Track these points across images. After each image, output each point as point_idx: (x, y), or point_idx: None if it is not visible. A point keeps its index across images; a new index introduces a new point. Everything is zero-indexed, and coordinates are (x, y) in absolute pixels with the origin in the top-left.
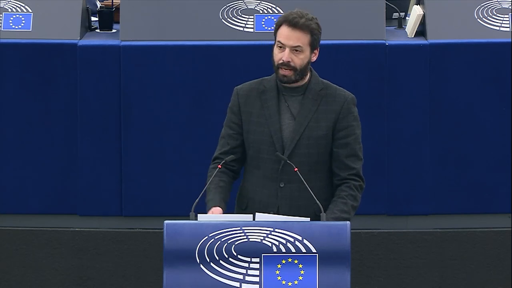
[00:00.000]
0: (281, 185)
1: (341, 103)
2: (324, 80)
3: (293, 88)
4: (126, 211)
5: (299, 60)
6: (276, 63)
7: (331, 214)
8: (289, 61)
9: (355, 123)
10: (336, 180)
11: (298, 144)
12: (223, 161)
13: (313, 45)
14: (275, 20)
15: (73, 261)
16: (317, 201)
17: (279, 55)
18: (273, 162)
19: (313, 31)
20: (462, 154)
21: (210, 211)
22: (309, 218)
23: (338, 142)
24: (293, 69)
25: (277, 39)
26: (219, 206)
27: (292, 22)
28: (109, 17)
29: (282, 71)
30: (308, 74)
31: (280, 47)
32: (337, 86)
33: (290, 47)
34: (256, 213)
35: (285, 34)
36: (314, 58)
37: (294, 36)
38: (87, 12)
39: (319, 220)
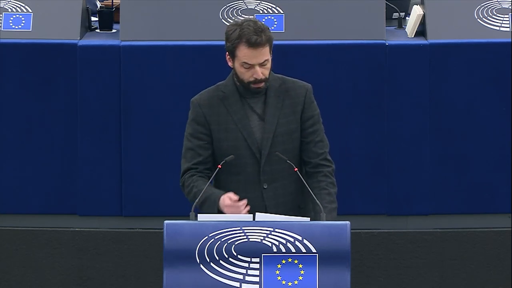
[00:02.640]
0: (265, 187)
1: (303, 94)
2: (279, 75)
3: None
4: (126, 211)
5: (267, 70)
6: (246, 81)
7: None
8: (262, 77)
9: (317, 110)
10: (308, 167)
11: (274, 142)
12: (224, 161)
13: (271, 50)
14: (275, 20)
15: (73, 261)
16: (318, 202)
17: (247, 73)
18: (252, 165)
19: (270, 39)
20: (462, 154)
21: (225, 196)
22: (309, 218)
23: (306, 132)
24: (264, 81)
25: (241, 59)
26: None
27: (254, 43)
28: (109, 17)
29: (256, 86)
30: None
31: (247, 67)
32: (292, 78)
33: (258, 64)
34: (256, 213)
35: (249, 54)
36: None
37: (260, 54)
38: (87, 12)
39: (304, 212)
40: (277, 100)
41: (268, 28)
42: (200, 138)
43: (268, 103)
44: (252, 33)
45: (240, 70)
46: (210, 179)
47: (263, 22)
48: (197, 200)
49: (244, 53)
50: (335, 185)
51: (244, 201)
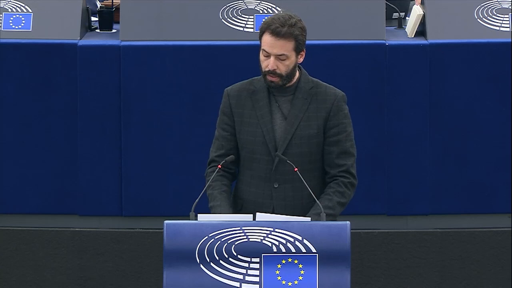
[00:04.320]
0: (275, 186)
1: (331, 101)
2: (314, 79)
3: (283, 89)
4: (126, 211)
5: (284, 67)
6: (263, 70)
7: (314, 210)
8: (275, 69)
9: (346, 120)
10: (327, 178)
11: (290, 143)
12: (224, 161)
13: (298, 49)
14: None
15: (73, 261)
16: (319, 203)
17: (265, 63)
18: (266, 163)
19: (297, 37)
20: (462, 154)
21: None
22: (310, 218)
23: (329, 140)
24: (279, 75)
25: (262, 46)
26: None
27: (275, 32)
28: (109, 17)
29: (269, 78)
30: (297, 74)
31: (266, 55)
32: (327, 84)
33: (274, 55)
34: (256, 213)
35: (269, 42)
36: (301, 60)
37: (278, 45)
38: (87, 12)
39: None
40: (303, 102)
41: (302, 28)
42: (225, 129)
43: (294, 103)
44: (278, 23)
45: (260, 57)
46: (211, 179)
47: (302, 22)
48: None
49: (265, 39)
50: (345, 196)
51: None
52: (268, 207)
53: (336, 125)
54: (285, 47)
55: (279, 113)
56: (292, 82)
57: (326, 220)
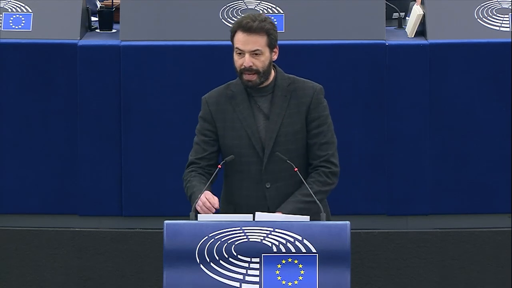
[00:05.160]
0: (267, 186)
1: (310, 95)
2: (290, 75)
3: (261, 89)
4: (126, 211)
5: (260, 63)
6: (238, 69)
7: (293, 198)
8: (250, 66)
9: (326, 112)
10: (310, 169)
11: (277, 142)
12: (224, 161)
13: (271, 45)
14: (275, 20)
15: (73, 261)
16: (317, 201)
17: (239, 61)
18: (255, 164)
19: (268, 31)
20: (462, 154)
21: (202, 195)
22: (309, 217)
23: (311, 133)
24: (256, 72)
25: (235, 45)
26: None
27: (246, 27)
28: (109, 17)
29: (246, 76)
30: (273, 73)
31: (239, 53)
32: (304, 79)
33: (249, 52)
34: (256, 213)
35: (242, 40)
36: (275, 57)
37: (251, 41)
38: (87, 12)
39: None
40: (283, 99)
41: (272, 23)
42: (206, 134)
43: (274, 102)
44: (248, 19)
45: (234, 58)
46: (210, 179)
47: (271, 19)
48: (197, 200)
49: (238, 38)
50: (326, 184)
51: (215, 206)
52: (263, 207)
53: (317, 117)
54: (259, 42)
55: (260, 113)
56: (269, 81)
57: (299, 205)
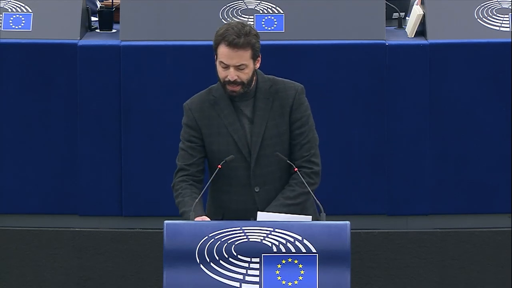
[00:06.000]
0: (256, 190)
1: (292, 95)
2: (270, 76)
3: (243, 94)
4: (126, 211)
5: (245, 75)
6: (222, 80)
7: (276, 202)
8: (235, 79)
9: (307, 112)
10: (292, 170)
11: (263, 145)
12: (224, 161)
13: (255, 56)
14: (275, 20)
15: (73, 261)
16: (317, 201)
17: (223, 73)
18: (243, 169)
19: (253, 45)
20: (462, 154)
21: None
22: (310, 217)
23: (294, 134)
24: (241, 84)
25: (219, 58)
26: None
27: (232, 43)
28: (109, 17)
29: (230, 87)
30: (254, 77)
31: (224, 66)
32: (284, 79)
33: (233, 66)
34: (258, 212)
35: (226, 54)
36: (258, 65)
37: (236, 56)
38: (87, 12)
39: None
40: (266, 102)
41: (256, 35)
42: (191, 140)
43: (257, 106)
44: (233, 34)
45: (218, 68)
46: (210, 180)
47: (254, 29)
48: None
49: (222, 51)
50: (309, 185)
51: None
52: (253, 212)
53: (299, 118)
54: (244, 57)
55: (244, 118)
56: (251, 86)
57: (282, 209)
